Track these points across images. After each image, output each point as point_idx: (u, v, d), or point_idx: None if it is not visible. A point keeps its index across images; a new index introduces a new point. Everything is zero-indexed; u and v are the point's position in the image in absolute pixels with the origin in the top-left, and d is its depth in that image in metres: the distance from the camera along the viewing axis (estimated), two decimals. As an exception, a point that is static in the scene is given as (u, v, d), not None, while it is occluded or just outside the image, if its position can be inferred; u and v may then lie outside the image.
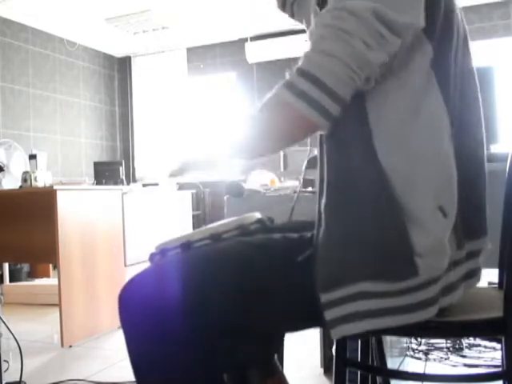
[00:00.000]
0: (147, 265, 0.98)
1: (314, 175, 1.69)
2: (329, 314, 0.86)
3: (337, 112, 0.84)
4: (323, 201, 0.92)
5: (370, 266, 0.85)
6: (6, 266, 4.10)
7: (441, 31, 0.87)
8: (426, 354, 2.20)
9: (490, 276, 1.23)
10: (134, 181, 7.17)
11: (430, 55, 0.87)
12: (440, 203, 0.87)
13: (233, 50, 6.81)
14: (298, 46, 6.00)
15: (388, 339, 1.71)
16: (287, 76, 0.87)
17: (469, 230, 0.92)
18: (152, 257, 1.01)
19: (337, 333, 0.87)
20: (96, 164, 5.92)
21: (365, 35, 0.81)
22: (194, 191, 6.54)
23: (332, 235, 0.89)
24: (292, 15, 1.20)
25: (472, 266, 0.95)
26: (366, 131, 0.87)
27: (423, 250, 0.85)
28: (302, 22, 1.15)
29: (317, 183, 1.01)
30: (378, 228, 0.86)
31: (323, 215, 0.91)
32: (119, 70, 7.54)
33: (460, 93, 0.92)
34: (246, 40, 6.59)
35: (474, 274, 0.97)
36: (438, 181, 0.87)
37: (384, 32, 0.81)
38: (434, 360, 2.15)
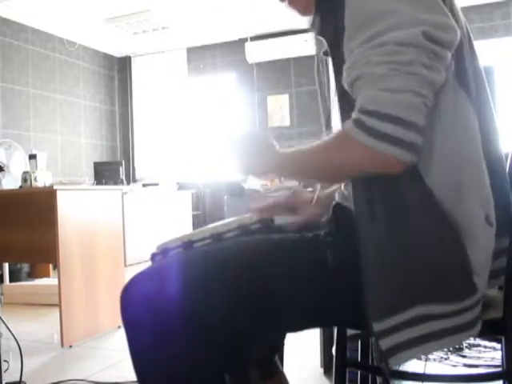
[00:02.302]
0: (147, 265, 0.98)
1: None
2: (385, 343, 0.84)
3: (421, 142, 0.83)
4: (370, 228, 0.89)
5: (427, 289, 0.84)
6: (6, 266, 4.10)
7: None
8: (426, 354, 2.20)
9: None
10: (134, 181, 7.18)
11: (453, 64, 0.87)
12: (486, 213, 0.87)
13: (233, 49, 6.81)
14: (298, 46, 6.01)
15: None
16: (353, 116, 0.84)
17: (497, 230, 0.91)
18: (153, 257, 1.01)
19: (396, 361, 0.84)
20: (96, 164, 5.92)
21: (424, 59, 0.81)
22: (193, 191, 6.54)
23: (381, 259, 0.86)
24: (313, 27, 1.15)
25: (498, 264, 0.94)
26: None
27: (480, 268, 0.85)
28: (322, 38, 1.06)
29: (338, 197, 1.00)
30: (432, 250, 0.85)
31: (370, 242, 0.88)
32: (119, 69, 7.54)
33: (477, 95, 0.93)
34: (246, 40, 6.59)
35: (501, 273, 0.95)
36: (481, 189, 0.88)
37: (437, 50, 0.82)
38: (434, 360, 2.15)
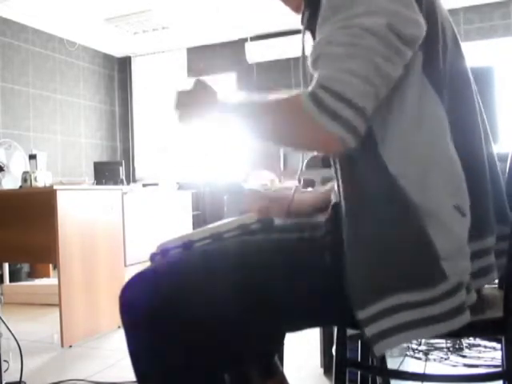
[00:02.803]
0: (147, 265, 0.98)
1: (314, 175, 1.69)
2: (368, 331, 0.85)
3: (364, 130, 0.84)
4: (343, 219, 0.92)
5: (400, 277, 0.85)
6: (6, 266, 4.10)
7: (426, 34, 0.87)
8: (426, 354, 2.20)
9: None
10: (134, 181, 7.18)
11: (421, 60, 0.88)
12: (456, 202, 0.87)
13: (233, 50, 6.81)
14: (298, 46, 5.99)
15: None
16: (310, 91, 0.85)
17: (471, 233, 0.91)
18: (153, 256, 1.01)
19: (380, 348, 0.85)
20: (96, 164, 5.92)
21: (384, 50, 0.82)
22: (194, 191, 6.54)
23: (356, 252, 0.88)
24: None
25: (475, 267, 0.93)
26: (373, 145, 0.88)
27: (447, 253, 0.85)
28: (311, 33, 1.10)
29: (334, 197, 1.00)
30: (399, 237, 0.86)
31: (344, 234, 0.91)
32: (119, 70, 7.54)
33: (454, 94, 0.92)
34: (246, 40, 6.59)
35: (482, 275, 0.95)
36: (450, 181, 0.88)
37: (400, 45, 0.82)
38: (434, 360, 2.15)
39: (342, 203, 0.92)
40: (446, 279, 0.84)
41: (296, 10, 1.08)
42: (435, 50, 0.90)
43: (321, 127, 0.82)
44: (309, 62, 0.90)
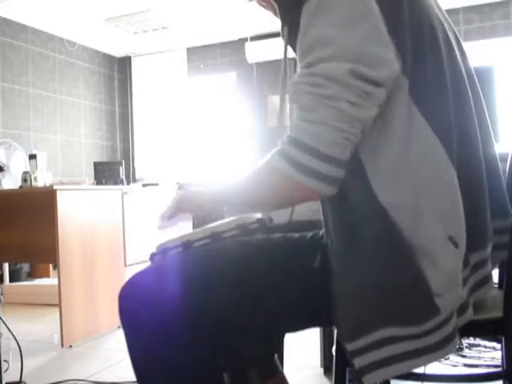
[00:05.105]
0: (147, 265, 0.98)
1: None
2: (358, 362, 0.85)
3: (342, 175, 0.83)
4: (332, 249, 0.91)
5: (390, 312, 0.84)
6: (6, 266, 4.10)
7: (414, 51, 0.84)
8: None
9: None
10: (134, 181, 7.17)
11: (406, 85, 0.84)
12: (449, 233, 0.84)
13: (233, 49, 6.81)
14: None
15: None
16: (280, 144, 0.86)
17: (473, 243, 0.89)
18: (152, 256, 1.01)
19: (369, 380, 0.85)
20: (96, 164, 5.92)
21: (349, 96, 0.80)
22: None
23: (346, 285, 0.87)
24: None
25: (478, 277, 0.93)
26: (363, 178, 0.85)
27: (441, 289, 0.84)
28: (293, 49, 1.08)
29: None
30: (391, 273, 0.84)
31: (333, 263, 0.90)
32: (119, 69, 7.54)
33: (453, 106, 0.89)
34: (246, 40, 6.59)
35: (482, 284, 0.94)
36: (442, 209, 0.85)
37: (367, 88, 0.80)
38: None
39: (330, 232, 0.91)
40: (438, 314, 0.83)
41: (275, 14, 1.07)
42: (427, 63, 0.86)
43: (295, 181, 0.83)
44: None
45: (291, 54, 1.01)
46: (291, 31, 0.96)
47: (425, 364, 0.85)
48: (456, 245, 0.85)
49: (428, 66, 0.86)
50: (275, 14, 1.06)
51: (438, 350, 0.84)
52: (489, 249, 0.93)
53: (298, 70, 0.86)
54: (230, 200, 0.99)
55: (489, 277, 0.94)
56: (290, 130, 0.85)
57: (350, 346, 0.85)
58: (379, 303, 0.84)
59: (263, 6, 1.09)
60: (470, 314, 0.89)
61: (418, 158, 0.85)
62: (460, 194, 0.86)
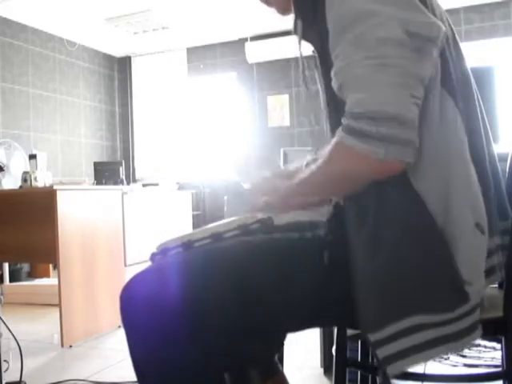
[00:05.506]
0: (147, 265, 0.98)
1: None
2: (381, 353, 0.84)
3: (415, 137, 0.81)
4: (359, 236, 0.89)
5: (419, 299, 0.83)
6: (6, 266, 4.10)
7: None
8: (426, 353, 2.19)
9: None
10: (134, 181, 7.17)
11: (439, 68, 0.86)
12: (477, 219, 0.86)
13: (233, 49, 6.81)
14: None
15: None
16: (344, 124, 0.84)
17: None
18: (153, 256, 1.01)
19: (393, 370, 0.84)
20: (96, 164, 5.92)
21: (406, 53, 0.80)
22: (193, 191, 6.54)
23: (371, 274, 0.86)
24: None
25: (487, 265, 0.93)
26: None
27: (471, 277, 0.84)
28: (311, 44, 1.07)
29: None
30: (421, 258, 0.84)
31: (357, 250, 0.88)
32: (119, 69, 7.54)
33: (463, 98, 0.92)
34: (246, 40, 6.59)
35: (489, 274, 0.93)
36: (470, 196, 0.86)
37: (420, 45, 0.81)
38: (434, 360, 2.14)
39: (351, 214, 0.90)
40: (468, 302, 0.84)
41: (282, 11, 1.07)
42: (445, 57, 0.89)
43: (370, 155, 0.81)
44: (334, 88, 0.88)
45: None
46: (307, 25, 0.96)
47: (451, 352, 0.85)
48: (483, 232, 0.86)
49: (448, 58, 0.89)
50: (281, 10, 1.05)
51: (465, 336, 0.84)
52: (495, 239, 0.93)
53: (339, 52, 0.85)
54: (307, 191, 0.96)
55: (495, 268, 0.94)
56: (350, 109, 0.83)
57: (373, 337, 0.84)
58: (407, 291, 0.84)
59: (268, 2, 1.07)
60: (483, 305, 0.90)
61: (450, 147, 0.86)
62: (479, 186, 0.87)
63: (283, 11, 1.07)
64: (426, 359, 0.85)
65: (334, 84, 0.88)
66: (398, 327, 0.83)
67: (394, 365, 0.84)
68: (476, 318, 0.86)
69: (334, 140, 0.87)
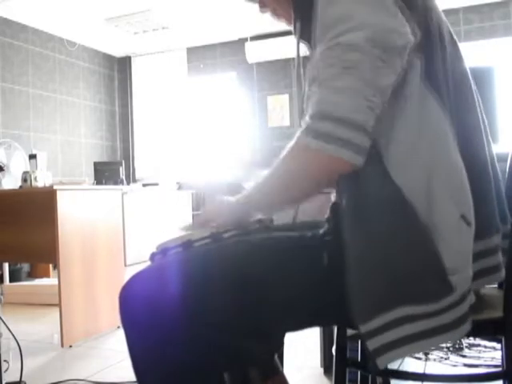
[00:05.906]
0: (147, 265, 0.98)
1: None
2: (371, 344, 0.85)
3: (367, 144, 0.84)
4: (344, 231, 0.90)
5: (404, 291, 0.84)
6: (6, 266, 4.10)
7: (424, 39, 0.88)
8: (426, 353, 2.20)
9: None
10: (134, 181, 7.18)
11: (419, 66, 0.88)
12: (462, 211, 0.87)
13: (233, 49, 6.81)
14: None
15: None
16: (303, 124, 0.87)
17: (477, 232, 0.90)
18: (152, 256, 1.01)
19: (383, 361, 0.85)
20: (96, 164, 5.92)
21: (368, 63, 0.83)
22: (193, 191, 6.54)
23: (357, 264, 0.87)
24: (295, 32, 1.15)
25: (480, 266, 0.93)
26: (377, 156, 0.87)
27: (455, 267, 0.85)
28: (306, 44, 1.11)
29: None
30: (405, 251, 0.85)
31: (349, 245, 0.89)
32: (119, 69, 7.54)
33: (455, 97, 0.92)
34: (246, 40, 6.59)
35: (486, 274, 0.95)
36: (454, 189, 0.87)
37: (384, 56, 0.83)
38: (434, 360, 2.15)
39: (344, 207, 0.91)
40: (452, 292, 0.84)
41: (290, 22, 1.09)
42: (434, 55, 0.90)
43: (322, 154, 0.84)
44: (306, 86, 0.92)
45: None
46: (304, 26, 0.98)
47: (439, 344, 0.85)
48: (468, 223, 0.87)
49: (434, 56, 0.89)
50: (290, 22, 1.08)
51: (452, 329, 0.85)
52: (494, 238, 0.94)
53: (319, 49, 0.88)
54: (267, 192, 0.96)
55: (494, 268, 0.95)
56: (313, 107, 0.86)
57: (363, 328, 0.85)
58: (394, 282, 0.85)
59: (263, 6, 1.09)
60: (472, 300, 0.90)
61: (431, 140, 0.88)
62: (467, 179, 0.88)
63: (290, 20, 1.09)
64: (414, 351, 0.85)
65: (307, 77, 0.93)
66: (387, 318, 0.84)
67: (383, 356, 0.85)
68: (464, 310, 0.86)
69: (294, 144, 0.90)
